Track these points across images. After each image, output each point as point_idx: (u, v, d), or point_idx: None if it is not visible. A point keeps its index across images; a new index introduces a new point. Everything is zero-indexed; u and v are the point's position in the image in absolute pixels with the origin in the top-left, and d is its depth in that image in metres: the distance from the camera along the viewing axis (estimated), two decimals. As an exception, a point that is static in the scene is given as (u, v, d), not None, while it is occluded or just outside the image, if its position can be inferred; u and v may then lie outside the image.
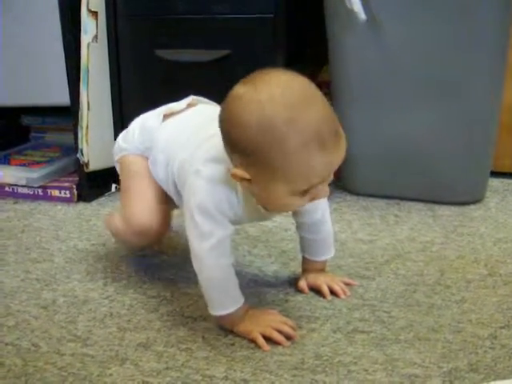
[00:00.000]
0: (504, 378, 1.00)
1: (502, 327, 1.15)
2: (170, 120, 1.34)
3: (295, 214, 1.27)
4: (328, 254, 1.32)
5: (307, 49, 1.91)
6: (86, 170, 1.87)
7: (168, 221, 1.33)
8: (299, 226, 1.29)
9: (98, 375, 1.04)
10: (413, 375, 1.01)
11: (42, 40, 1.89)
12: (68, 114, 1.90)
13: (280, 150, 0.97)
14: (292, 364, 1.05)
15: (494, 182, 1.92)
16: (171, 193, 1.28)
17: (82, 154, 1.84)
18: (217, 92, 1.84)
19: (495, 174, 1.93)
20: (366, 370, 1.03)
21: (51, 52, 1.85)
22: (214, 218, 1.10)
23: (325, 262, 1.33)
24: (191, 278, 1.35)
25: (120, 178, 1.40)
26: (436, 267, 1.39)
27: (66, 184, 1.93)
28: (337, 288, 1.28)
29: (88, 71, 1.80)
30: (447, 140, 1.71)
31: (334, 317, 1.20)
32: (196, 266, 1.14)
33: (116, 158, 1.39)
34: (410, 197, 1.81)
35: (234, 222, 1.15)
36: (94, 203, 1.90)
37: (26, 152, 2.20)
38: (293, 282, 1.34)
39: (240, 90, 1.02)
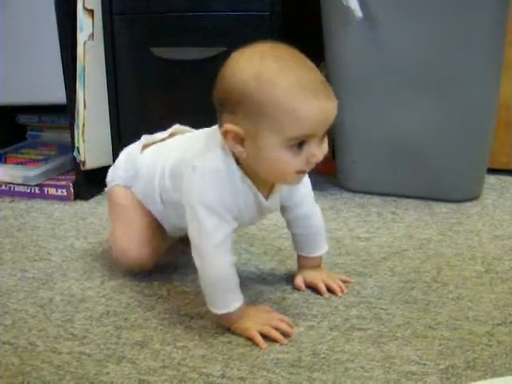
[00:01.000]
0: (501, 375, 1.00)
1: (498, 324, 1.15)
2: (151, 147, 1.38)
3: (283, 211, 1.27)
4: (320, 249, 1.31)
5: (304, 46, 1.90)
6: (82, 169, 1.87)
7: (159, 247, 1.36)
8: (288, 223, 1.30)
9: (95, 374, 1.04)
10: (410, 372, 1.01)
11: (38, 38, 1.88)
12: (64, 113, 1.90)
13: (268, 92, 0.99)
14: (289, 362, 1.05)
15: (491, 179, 1.93)
16: (159, 211, 1.31)
17: (79, 153, 1.84)
18: (212, 90, 1.84)
19: (492, 170, 1.93)
20: (363, 368, 1.03)
21: (47, 50, 1.85)
22: (217, 212, 1.09)
23: (319, 258, 1.32)
24: (187, 276, 1.36)
25: (108, 209, 1.44)
26: (433, 264, 1.39)
27: (63, 182, 1.93)
28: (334, 286, 1.28)
29: (84, 69, 1.79)
30: (444, 137, 1.71)
31: (331, 314, 1.20)
32: (199, 263, 1.13)
33: (105, 189, 1.43)
34: (406, 194, 1.81)
35: (237, 220, 1.15)
36: (90, 201, 1.90)
37: (23, 150, 2.20)
38: (290, 280, 1.34)
39: (234, 53, 1.07)
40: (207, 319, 1.19)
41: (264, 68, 1.00)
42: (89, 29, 1.80)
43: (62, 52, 1.80)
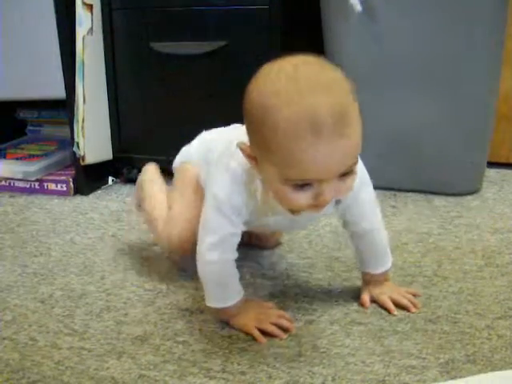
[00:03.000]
0: (501, 368, 1.00)
1: (499, 318, 1.15)
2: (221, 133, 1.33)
3: (344, 224, 1.20)
4: (382, 266, 1.21)
5: (303, 39, 1.90)
6: (82, 164, 1.87)
7: None
8: (349, 236, 1.22)
9: (95, 369, 1.04)
10: (410, 366, 1.01)
11: (38, 33, 1.88)
12: (64, 108, 1.90)
13: (269, 125, 0.90)
14: (289, 356, 1.05)
15: (491, 173, 1.93)
16: None
17: (78, 148, 1.84)
18: (213, 84, 1.84)
19: (492, 164, 1.93)
20: (364, 362, 1.03)
21: (46, 45, 1.85)
22: (224, 214, 1.08)
23: (383, 274, 1.23)
24: (187, 271, 1.35)
25: (174, 183, 1.38)
26: (433, 258, 1.39)
27: (63, 177, 1.93)
28: (404, 302, 1.19)
29: (83, 64, 1.79)
30: (444, 131, 1.71)
31: (332, 308, 1.20)
32: (197, 257, 1.13)
33: (175, 165, 1.39)
34: (406, 188, 1.81)
35: (257, 224, 1.14)
36: (90, 196, 1.90)
37: (22, 146, 2.20)
38: (290, 274, 1.34)
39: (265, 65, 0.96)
40: (207, 314, 1.19)
41: (273, 90, 0.90)
42: (88, 23, 1.79)
43: (61, 47, 1.81)
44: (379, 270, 1.22)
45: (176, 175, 1.38)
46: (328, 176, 0.91)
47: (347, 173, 0.93)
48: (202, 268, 1.14)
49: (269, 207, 1.08)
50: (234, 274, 1.14)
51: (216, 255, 1.11)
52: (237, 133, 1.08)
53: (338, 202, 1.10)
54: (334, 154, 0.88)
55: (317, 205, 0.95)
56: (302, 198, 0.94)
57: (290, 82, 0.89)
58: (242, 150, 1.00)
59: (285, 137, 0.88)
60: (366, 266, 1.23)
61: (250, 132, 0.98)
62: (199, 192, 1.27)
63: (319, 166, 0.89)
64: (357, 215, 1.16)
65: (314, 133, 0.87)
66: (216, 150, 1.21)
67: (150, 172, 1.46)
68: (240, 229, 1.11)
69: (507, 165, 1.99)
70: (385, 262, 1.22)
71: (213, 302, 1.15)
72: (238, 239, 1.12)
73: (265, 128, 0.91)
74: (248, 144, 0.99)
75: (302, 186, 0.93)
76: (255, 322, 1.12)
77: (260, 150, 0.95)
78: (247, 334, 1.12)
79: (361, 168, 1.08)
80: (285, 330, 1.12)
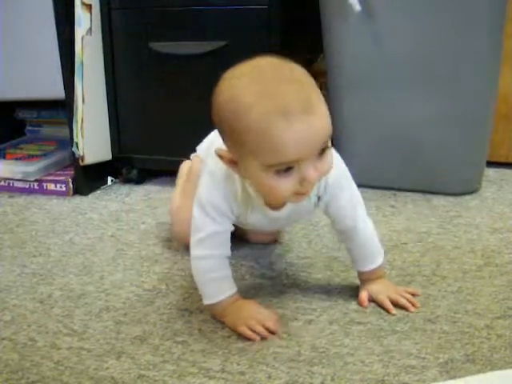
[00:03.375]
0: (500, 368, 1.00)
1: (498, 317, 1.15)
2: None
3: (332, 222, 1.20)
4: (370, 263, 1.21)
5: (302, 38, 1.90)
6: (81, 164, 1.87)
7: None
8: (337, 236, 1.25)
9: (95, 369, 1.04)
10: (409, 366, 1.01)
11: (37, 33, 1.88)
12: (63, 108, 1.90)
13: (242, 119, 0.95)
14: (288, 356, 1.05)
15: (490, 172, 1.93)
16: None
17: (78, 148, 1.84)
18: (212, 84, 1.84)
19: (491, 163, 1.93)
20: (363, 362, 1.03)
21: (46, 45, 1.84)
22: (207, 213, 1.11)
23: (376, 271, 1.22)
24: (186, 271, 1.36)
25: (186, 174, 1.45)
26: (432, 258, 1.39)
27: (62, 177, 1.93)
28: (403, 302, 1.19)
29: (82, 64, 1.79)
30: (443, 130, 1.70)
31: (331, 308, 1.20)
32: (191, 253, 1.16)
33: (191, 156, 1.45)
34: (406, 187, 1.81)
35: (244, 224, 1.16)
36: (89, 196, 1.90)
37: (22, 146, 2.20)
38: (289, 274, 1.34)
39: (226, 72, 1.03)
40: (206, 314, 1.19)
41: (239, 91, 0.96)
42: (87, 24, 1.79)
43: (60, 47, 1.80)
44: (368, 268, 1.22)
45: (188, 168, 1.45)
46: (307, 154, 0.95)
47: (324, 150, 0.98)
48: (192, 264, 1.16)
49: (249, 205, 1.12)
50: (223, 269, 1.15)
51: (203, 251, 1.14)
52: None
53: (319, 198, 1.14)
54: (308, 130, 0.93)
55: (302, 191, 1.00)
56: (287, 184, 0.98)
57: (253, 81, 0.96)
58: (220, 156, 1.04)
59: (260, 129, 0.93)
60: (355, 263, 1.24)
61: (225, 136, 1.02)
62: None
63: (296, 145, 0.93)
64: (337, 212, 1.16)
65: (285, 117, 0.92)
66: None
67: (185, 167, 1.49)
68: (226, 227, 1.13)
69: (506, 164, 1.99)
70: (373, 260, 1.22)
71: (205, 298, 1.16)
72: (225, 236, 1.14)
73: (239, 127, 0.96)
74: (225, 149, 1.03)
75: (286, 170, 0.96)
76: (243, 320, 1.12)
77: (238, 148, 0.99)
78: (238, 333, 1.12)
79: (340, 165, 1.13)
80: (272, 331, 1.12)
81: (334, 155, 1.03)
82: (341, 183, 1.13)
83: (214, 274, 1.15)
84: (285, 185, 0.98)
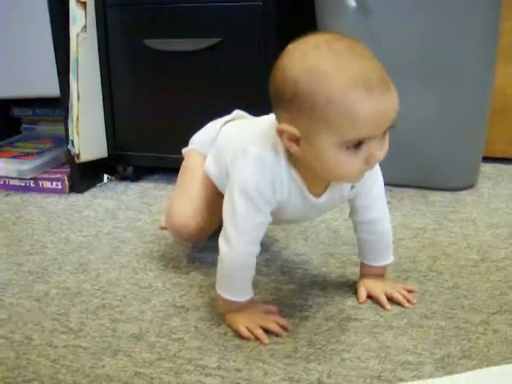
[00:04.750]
0: (497, 363, 1.00)
1: (494, 313, 1.15)
2: (231, 123, 1.35)
3: (351, 212, 1.21)
4: (384, 259, 1.22)
5: (298, 35, 1.90)
6: (77, 161, 1.87)
7: (212, 220, 1.32)
8: (355, 227, 1.23)
9: (91, 367, 1.04)
10: (405, 362, 1.01)
11: (31, 31, 1.88)
12: (59, 105, 1.90)
13: (323, 90, 0.93)
14: (285, 353, 1.05)
15: (486, 167, 1.92)
16: (223, 185, 1.23)
17: (73, 145, 1.84)
18: (207, 81, 1.84)
19: (487, 159, 1.93)
20: (359, 358, 1.03)
21: (40, 43, 1.84)
22: (253, 201, 1.06)
23: (383, 269, 1.24)
24: (183, 268, 1.36)
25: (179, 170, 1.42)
26: (428, 253, 1.39)
27: (58, 175, 1.93)
28: (398, 297, 1.19)
29: (77, 62, 1.79)
30: (439, 126, 1.70)
31: (327, 305, 1.20)
32: (223, 246, 1.10)
33: (183, 151, 1.42)
34: (402, 183, 1.80)
35: (275, 216, 1.13)
36: (85, 194, 1.90)
37: (17, 144, 2.19)
38: (285, 271, 1.34)
39: (289, 45, 1.01)
40: (203, 311, 1.19)
41: (318, 62, 0.95)
42: (81, 21, 1.79)
43: (55, 45, 1.80)
44: (380, 263, 1.22)
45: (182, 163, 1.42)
46: (381, 130, 0.97)
47: (386, 132, 1.00)
48: (226, 256, 1.11)
49: (292, 192, 1.09)
50: (253, 270, 1.13)
51: (244, 245, 1.10)
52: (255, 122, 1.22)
53: (352, 187, 1.14)
54: (387, 105, 0.96)
55: (366, 169, 1.01)
56: (356, 161, 0.98)
57: (331, 53, 0.96)
58: (281, 132, 1.00)
59: (343, 100, 0.93)
60: (367, 257, 1.23)
61: (294, 111, 0.98)
62: (197, 178, 1.32)
63: (375, 119, 0.95)
64: (366, 203, 1.17)
65: (368, 90, 0.93)
66: (233, 139, 1.23)
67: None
68: (268, 218, 1.10)
69: (502, 159, 1.99)
70: (387, 256, 1.22)
71: (223, 291, 1.14)
72: (264, 229, 1.11)
73: (319, 98, 0.94)
74: (287, 126, 1.00)
75: (356, 147, 0.96)
76: (244, 321, 1.12)
77: (312, 121, 0.96)
78: (235, 331, 1.12)
79: None
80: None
81: None
82: (374, 173, 1.14)
83: (247, 273, 1.13)
84: (353, 162, 0.98)
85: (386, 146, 1.00)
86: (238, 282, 1.14)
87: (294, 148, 1.01)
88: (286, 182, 1.07)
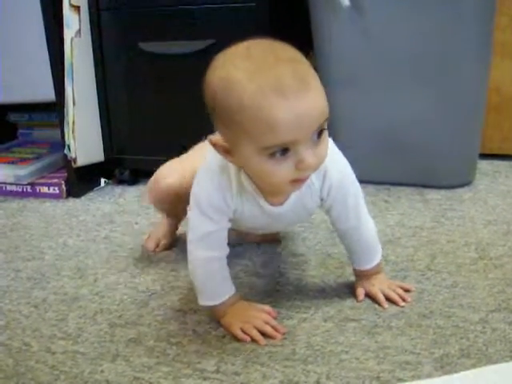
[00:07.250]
0: (495, 362, 0.99)
1: (493, 311, 1.14)
2: None
3: (333, 222, 1.19)
4: (369, 262, 1.21)
5: (292, 35, 1.90)
6: (74, 166, 1.87)
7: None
8: (337, 234, 1.23)
9: (90, 372, 1.04)
10: (404, 362, 1.01)
11: (26, 36, 1.88)
12: (55, 110, 1.89)
13: (234, 96, 0.92)
14: (283, 355, 1.05)
15: (483, 165, 1.92)
16: None
17: (70, 150, 1.84)
18: (203, 83, 1.83)
19: (484, 156, 1.93)
20: (358, 359, 1.03)
21: (36, 48, 1.84)
22: (203, 211, 1.09)
23: (373, 269, 1.22)
24: (180, 271, 1.36)
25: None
26: (426, 252, 1.39)
27: (55, 180, 1.93)
28: (393, 296, 1.19)
29: (72, 66, 1.79)
30: (435, 124, 1.70)
31: (325, 305, 1.20)
32: (188, 257, 1.14)
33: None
34: (399, 181, 1.80)
35: (236, 223, 1.14)
36: (83, 199, 1.90)
37: (14, 149, 2.20)
38: (283, 272, 1.34)
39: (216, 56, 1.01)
40: (201, 314, 1.19)
41: (231, 70, 0.94)
42: (75, 25, 1.79)
43: (49, 49, 1.80)
44: (367, 266, 1.22)
45: None
46: (303, 134, 0.92)
47: (320, 133, 0.96)
48: (189, 265, 1.15)
49: (244, 200, 1.10)
50: (221, 270, 1.14)
51: (203, 252, 1.12)
52: None
53: (322, 200, 1.12)
54: (303, 107, 0.91)
55: (300, 177, 0.98)
56: (284, 169, 0.95)
57: (245, 59, 0.94)
58: (213, 143, 1.01)
59: (255, 107, 0.91)
60: (354, 262, 1.23)
61: (218, 121, 0.99)
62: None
63: (292, 123, 0.91)
64: (341, 214, 1.15)
65: (281, 94, 0.90)
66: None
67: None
68: (223, 225, 1.12)
69: (499, 156, 1.99)
70: (372, 258, 1.22)
71: (203, 300, 1.15)
72: (223, 234, 1.13)
73: (233, 108, 0.93)
74: (218, 137, 1.01)
75: (282, 153, 0.94)
76: (239, 323, 1.12)
77: (232, 131, 0.96)
78: (231, 334, 1.12)
79: (341, 161, 1.12)
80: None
81: (333, 149, 1.05)
82: (345, 185, 1.12)
83: (215, 276, 1.14)
84: (281, 169, 0.95)
85: (321, 151, 0.97)
86: (211, 287, 1.15)
87: (229, 158, 1.02)
88: (236, 192, 1.08)
